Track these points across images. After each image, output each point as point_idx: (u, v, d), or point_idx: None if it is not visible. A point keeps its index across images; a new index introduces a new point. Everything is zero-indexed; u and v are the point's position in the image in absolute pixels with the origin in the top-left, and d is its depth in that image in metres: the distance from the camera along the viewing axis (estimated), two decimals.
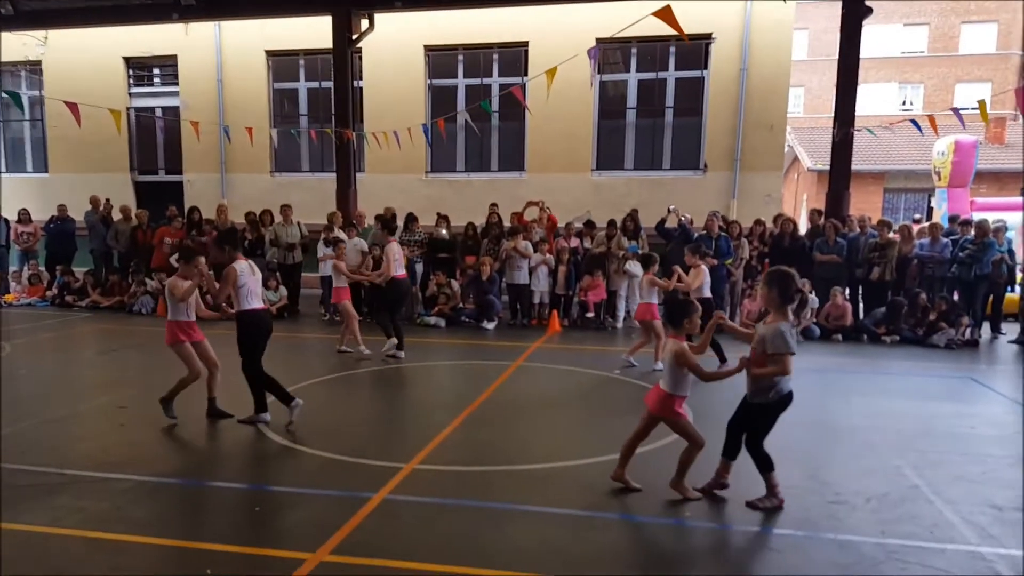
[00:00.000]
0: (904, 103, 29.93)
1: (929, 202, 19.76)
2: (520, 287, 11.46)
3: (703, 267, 8.15)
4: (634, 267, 10.62)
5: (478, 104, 12.22)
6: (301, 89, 16.32)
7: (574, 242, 11.76)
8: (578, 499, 4.59)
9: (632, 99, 14.60)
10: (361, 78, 15.07)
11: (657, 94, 14.48)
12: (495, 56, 15.19)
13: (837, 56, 11.80)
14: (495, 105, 13.40)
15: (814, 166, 23.02)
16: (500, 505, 4.50)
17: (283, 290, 12.46)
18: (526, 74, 14.65)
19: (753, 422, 4.49)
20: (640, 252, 10.52)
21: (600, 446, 5.55)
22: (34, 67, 17.47)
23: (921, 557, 3.88)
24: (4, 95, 12.20)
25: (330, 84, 15.62)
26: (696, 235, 10.71)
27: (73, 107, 9.75)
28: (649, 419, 4.68)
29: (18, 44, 16.65)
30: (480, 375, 8.25)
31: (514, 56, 15.02)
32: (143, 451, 5.62)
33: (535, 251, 11.40)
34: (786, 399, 4.38)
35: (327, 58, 15.60)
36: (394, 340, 8.78)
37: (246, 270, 6.05)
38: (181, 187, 16.84)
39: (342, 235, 12.09)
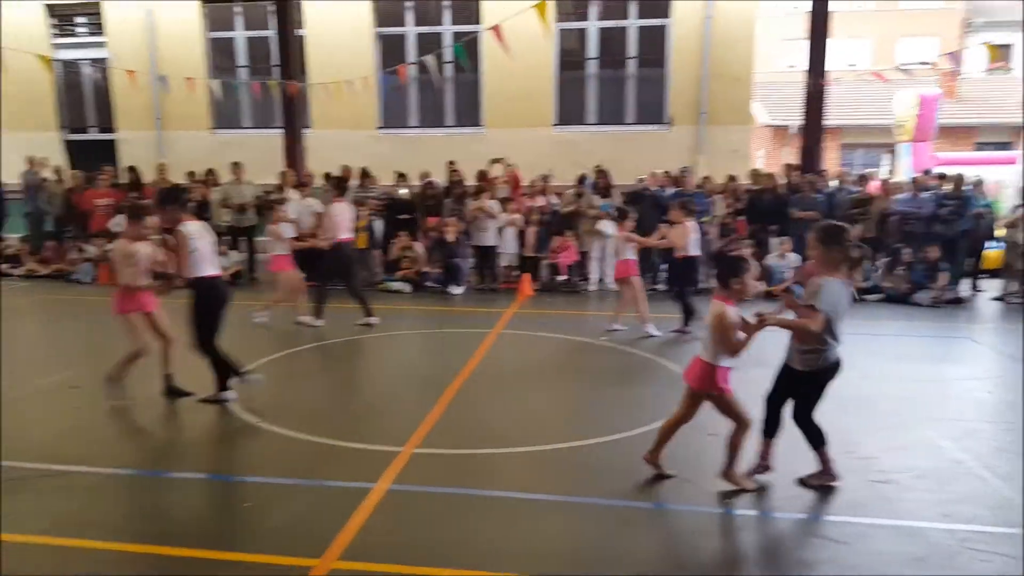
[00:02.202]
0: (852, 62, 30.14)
1: (887, 158, 19.92)
2: (487, 249, 11.07)
3: (689, 223, 7.92)
4: (606, 227, 10.33)
5: (437, 53, 11.60)
6: (239, 39, 15.30)
7: (541, 201, 11.39)
8: (601, 486, 4.31)
9: (593, 49, 14.13)
10: (301, 26, 14.17)
11: (619, 44, 14.05)
12: (447, 3, 14.46)
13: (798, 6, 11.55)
14: (448, 55, 12.75)
15: (772, 121, 22.98)
16: (516, 495, 4.21)
17: (234, 255, 11.81)
18: (479, 22, 14.00)
19: (800, 392, 4.15)
20: (610, 210, 10.23)
21: (607, 423, 5.33)
22: None
23: (995, 544, 3.63)
24: None
25: (269, 33, 14.72)
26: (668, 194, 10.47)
27: None
28: (692, 397, 4.20)
29: None
30: (458, 344, 7.92)
31: (466, 4, 14.31)
32: (105, 439, 5.16)
33: (502, 211, 11.00)
34: (834, 367, 4.04)
35: (265, 5, 14.68)
36: (376, 318, 8.35)
37: (197, 231, 5.47)
38: (114, 145, 15.73)
39: (293, 195, 11.46)
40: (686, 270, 8.09)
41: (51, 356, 7.67)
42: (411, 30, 14.64)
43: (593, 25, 14.02)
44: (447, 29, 14.47)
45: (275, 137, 13.80)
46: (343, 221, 8.24)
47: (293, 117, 13.19)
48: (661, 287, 10.39)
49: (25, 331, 8.78)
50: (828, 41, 11.48)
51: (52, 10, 15.63)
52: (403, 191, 11.82)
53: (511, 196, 11.51)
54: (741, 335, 3.95)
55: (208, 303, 5.53)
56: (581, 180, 11.47)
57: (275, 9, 13.12)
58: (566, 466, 4.67)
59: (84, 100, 16.18)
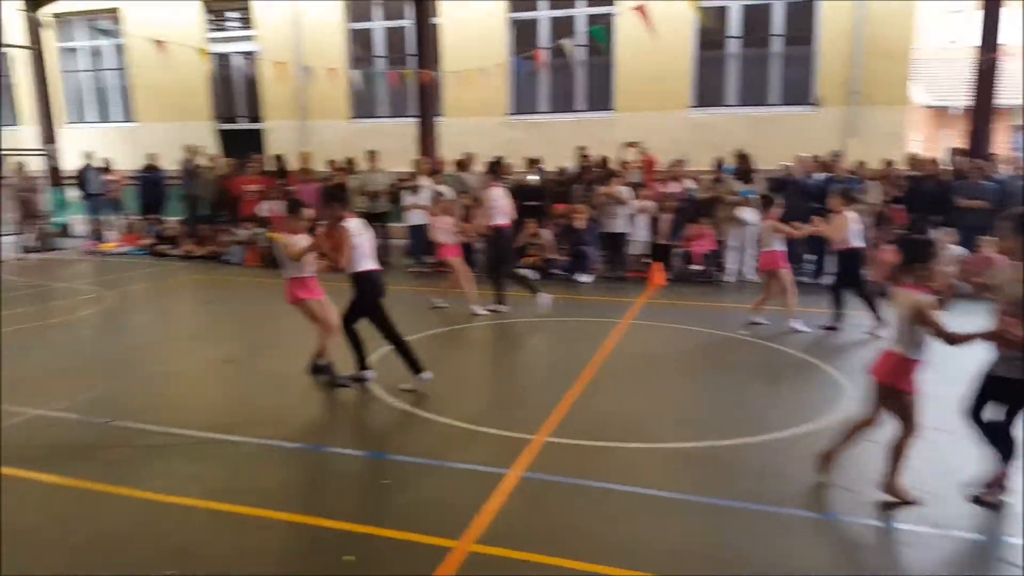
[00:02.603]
0: None
1: None
2: (616, 236, 10.79)
3: (850, 213, 7.33)
4: (747, 214, 9.82)
5: (567, 37, 11.40)
6: (377, 29, 15.74)
7: (675, 186, 10.97)
8: (740, 488, 4.05)
9: (735, 27, 13.46)
10: (436, 14, 14.36)
11: (762, 21, 13.30)
12: None
13: None
14: (581, 39, 12.53)
15: (930, 101, 21.14)
16: (651, 492, 4.02)
17: None
18: (612, 3, 13.70)
19: (1008, 400, 3.71)
20: (754, 197, 9.66)
21: (747, 423, 5.02)
22: (111, 15, 17.38)
23: None
24: (99, 31, 12.12)
25: (406, 23, 15.05)
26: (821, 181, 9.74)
27: (160, 45, 9.42)
28: (881, 394, 3.83)
29: None
30: (588, 333, 7.74)
31: None
32: (256, 411, 5.40)
33: (634, 197, 10.68)
34: None
35: None
36: (546, 295, 8.31)
37: (357, 228, 5.62)
38: (261, 135, 16.65)
39: (425, 182, 11.66)
40: (851, 263, 7.51)
41: (207, 332, 8.17)
42: (544, 14, 14.52)
43: (736, 3, 13.34)
44: (581, 12, 14.25)
45: (409, 125, 14.10)
46: (500, 206, 8.23)
47: (427, 105, 13.40)
48: (806, 279, 9.77)
49: (183, 308, 9.43)
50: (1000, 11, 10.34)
51: (208, 6, 16.70)
52: (532, 177, 11.73)
53: (644, 181, 11.16)
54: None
55: (368, 296, 5.68)
56: (719, 165, 10.96)
57: None
58: (704, 465, 4.42)
59: (235, 91, 17.22)
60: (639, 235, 10.82)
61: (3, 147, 14.71)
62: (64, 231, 15.32)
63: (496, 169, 8.66)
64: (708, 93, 13.74)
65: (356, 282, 5.61)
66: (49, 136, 16.34)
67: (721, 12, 13.37)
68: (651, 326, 7.94)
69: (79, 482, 4.07)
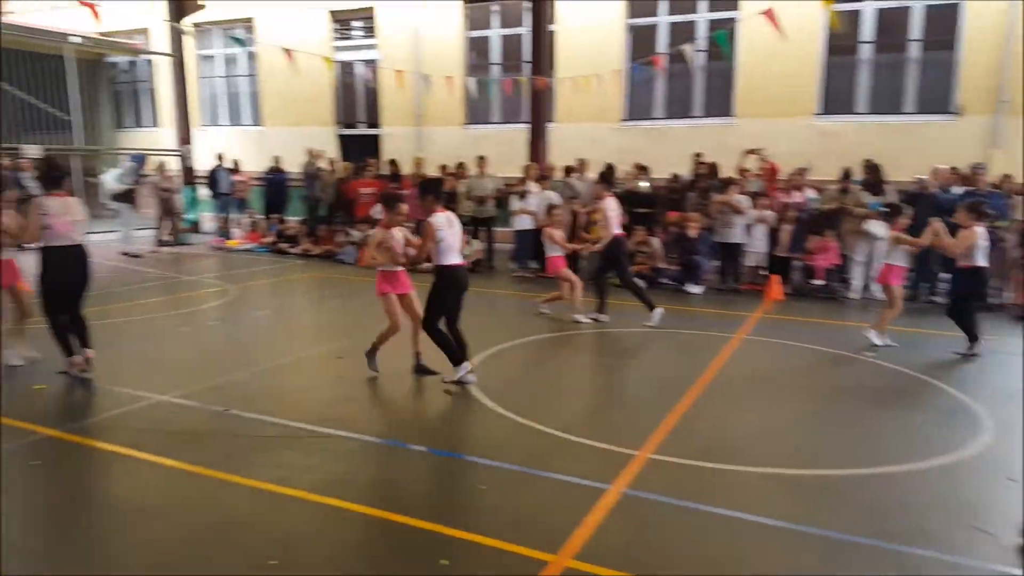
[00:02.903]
0: None
1: None
2: (732, 247, 10.38)
3: (978, 229, 6.73)
4: (876, 227, 9.20)
5: (688, 42, 11.09)
6: (494, 37, 15.90)
7: (797, 196, 10.43)
8: (862, 522, 3.72)
9: (869, 31, 12.70)
10: (553, 21, 14.33)
11: (899, 25, 12.48)
12: None
13: None
14: (702, 44, 12.19)
15: None
16: (760, 519, 3.75)
17: (476, 243, 12.29)
18: (737, 8, 13.24)
19: None
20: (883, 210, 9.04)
21: (869, 452, 4.66)
22: (247, 24, 18.41)
23: None
24: (234, 40, 12.87)
25: (523, 30, 15.13)
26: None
27: (288, 54, 9.88)
28: None
29: (234, 3, 17.56)
30: (697, 347, 7.45)
31: None
32: (364, 408, 5.54)
33: (752, 206, 10.24)
34: None
35: (520, 3, 15.10)
36: (660, 310, 8.16)
37: (444, 223, 5.71)
38: (378, 140, 17.16)
39: (534, 188, 11.66)
40: (971, 283, 6.91)
41: (319, 327, 8.44)
42: (664, 19, 14.23)
43: (870, 5, 12.59)
44: (702, 17, 13.86)
45: (521, 131, 14.15)
46: (614, 216, 8.12)
47: (539, 112, 13.42)
48: (939, 299, 9.05)
49: (298, 303, 9.79)
50: None
51: (334, 16, 17.40)
52: (643, 184, 11.48)
53: (765, 191, 10.69)
54: None
55: (448, 289, 5.77)
56: (846, 175, 10.33)
57: (531, 6, 13.40)
58: (818, 494, 4.10)
59: (356, 98, 17.84)
60: (756, 246, 10.37)
61: (145, 147, 15.86)
62: (195, 227, 16.34)
63: (609, 177, 8.49)
64: (836, 100, 13.00)
65: (439, 275, 5.74)
66: (185, 138, 17.51)
67: (854, 15, 12.65)
68: (766, 342, 7.55)
69: (197, 467, 4.24)
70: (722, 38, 10.42)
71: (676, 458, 4.48)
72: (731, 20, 13.11)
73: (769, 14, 8.92)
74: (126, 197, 13.50)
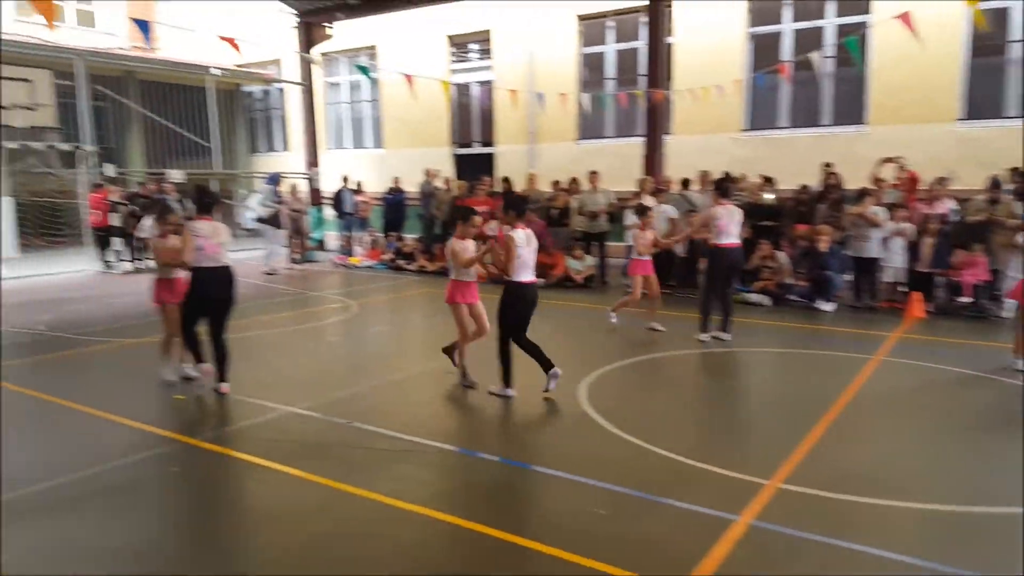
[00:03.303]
0: None
1: None
2: (868, 261, 9.71)
3: None
4: None
5: (815, 49, 10.56)
6: (609, 52, 15.78)
7: (940, 207, 9.66)
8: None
9: (1018, 30, 11.66)
10: (671, 34, 14.05)
11: None
12: None
13: None
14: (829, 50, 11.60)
15: None
16: (909, 559, 3.40)
17: (588, 259, 12.16)
18: (868, 12, 12.53)
19: None
20: None
21: None
22: (371, 51, 19.19)
23: None
24: (357, 67, 13.46)
25: (638, 44, 14.94)
26: None
27: (409, 78, 10.17)
28: None
29: (358, 31, 18.36)
30: (831, 369, 6.98)
31: None
32: (477, 424, 5.56)
33: (889, 218, 9.56)
34: None
35: (635, 17, 14.93)
36: (726, 336, 7.86)
37: (522, 239, 5.74)
38: (492, 158, 17.39)
39: (650, 202, 11.39)
40: None
41: (434, 343, 8.53)
42: (788, 27, 13.67)
43: (1018, 3, 11.57)
44: (830, 22, 13.21)
45: (635, 145, 13.93)
46: (725, 225, 7.79)
47: (655, 124, 13.16)
48: None
49: (414, 319, 10.00)
50: None
51: (452, 40, 17.84)
52: (768, 195, 10.97)
53: (903, 202, 9.97)
54: None
55: (516, 306, 5.81)
56: (995, 184, 9.48)
57: (647, 20, 13.23)
58: (973, 533, 3.71)
59: (471, 118, 18.18)
60: (894, 261, 9.67)
61: (278, 171, 16.78)
62: (320, 245, 17.10)
63: (723, 186, 8.14)
64: (981, 104, 12.01)
65: (508, 291, 5.78)
66: (313, 161, 18.40)
67: (1001, 14, 11.67)
68: (907, 364, 6.97)
69: (320, 477, 4.33)
70: (853, 44, 9.85)
71: (809, 488, 4.17)
72: (862, 25, 12.44)
73: (905, 18, 8.37)
74: (270, 219, 14.19)
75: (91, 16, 22.00)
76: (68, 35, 18.47)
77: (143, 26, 9.42)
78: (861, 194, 9.81)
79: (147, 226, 14.28)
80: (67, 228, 15.49)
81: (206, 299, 5.98)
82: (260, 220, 14.32)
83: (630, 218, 11.39)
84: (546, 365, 5.83)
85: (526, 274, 5.79)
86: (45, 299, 11.06)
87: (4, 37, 15.40)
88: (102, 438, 5.12)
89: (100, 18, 22.05)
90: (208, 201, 6.19)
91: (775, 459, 4.57)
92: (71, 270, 14.01)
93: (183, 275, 6.23)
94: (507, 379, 5.93)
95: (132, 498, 4.16)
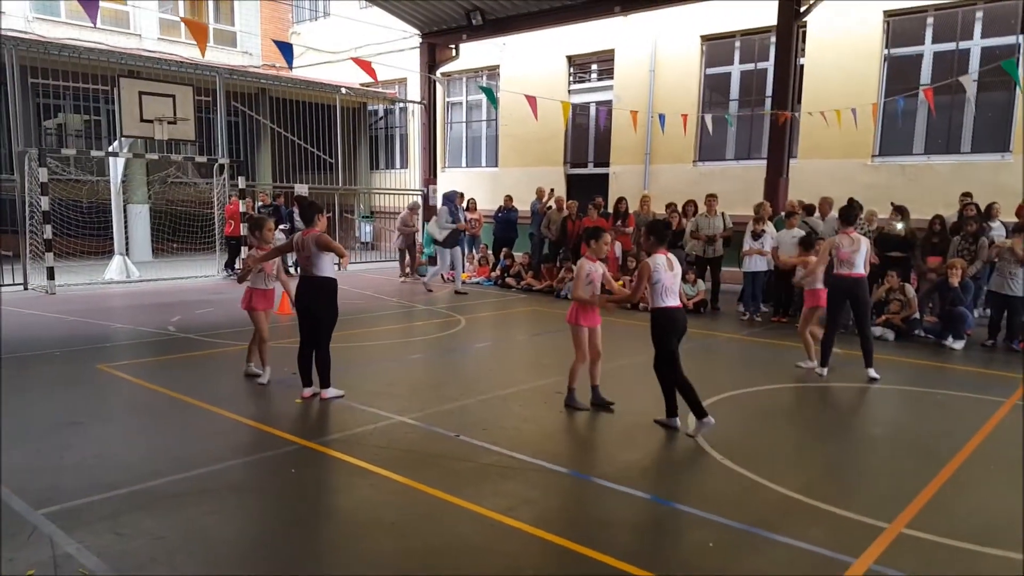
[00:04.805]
0: None
1: None
2: (1011, 299, 9.02)
3: None
4: None
5: (963, 73, 9.98)
6: (734, 73, 15.48)
7: None
8: None
9: None
10: (802, 55, 13.63)
11: None
12: (978, 14, 12.41)
13: None
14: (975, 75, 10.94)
15: None
16: None
17: (701, 284, 11.91)
18: (1022, 32, 11.72)
19: None
20: None
21: None
22: (492, 71, 19.65)
23: None
24: (482, 89, 13.76)
25: (765, 65, 14.60)
26: None
27: (531, 100, 10.36)
28: None
29: (482, 51, 18.86)
30: (960, 411, 6.53)
31: (1005, 12, 12.09)
32: (582, 445, 5.52)
33: None
34: None
35: (764, 38, 14.60)
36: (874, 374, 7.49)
37: (662, 265, 5.63)
38: (607, 179, 17.36)
39: (770, 227, 11.07)
40: None
41: (539, 360, 8.60)
42: (928, 48, 12.98)
43: None
44: (976, 44, 12.45)
45: (756, 168, 13.58)
46: (848, 255, 7.43)
47: (780, 147, 12.78)
48: None
49: (519, 335, 10.09)
50: None
51: (571, 60, 18.01)
52: (898, 225, 10.41)
53: None
54: None
55: (665, 332, 5.66)
56: None
57: (775, 41, 12.93)
58: None
59: (587, 138, 18.25)
60: None
61: (393, 188, 17.40)
62: (431, 261, 17.56)
63: (847, 214, 7.75)
64: None
65: (654, 318, 5.67)
66: (429, 179, 19.00)
67: None
68: None
69: (428, 487, 4.44)
70: (1011, 66, 9.25)
71: (933, 535, 3.91)
72: (1012, 47, 11.67)
73: None
74: (448, 239, 13.48)
75: (232, 36, 23.70)
76: (208, 54, 19.96)
77: (286, 49, 10.00)
78: (1018, 228, 9.16)
79: (278, 237, 15.26)
80: (200, 235, 16.61)
81: (299, 310, 6.33)
82: (436, 242, 13.65)
83: (748, 242, 11.10)
84: (699, 412, 5.60)
85: (669, 299, 5.65)
86: (175, 302, 11.91)
87: (149, 55, 16.88)
88: (224, 437, 5.39)
89: (240, 38, 23.72)
90: (311, 214, 6.31)
91: (898, 502, 4.32)
92: (201, 275, 15.04)
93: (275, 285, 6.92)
94: (669, 408, 5.77)
95: (250, 496, 4.37)
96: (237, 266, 15.14)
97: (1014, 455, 5.35)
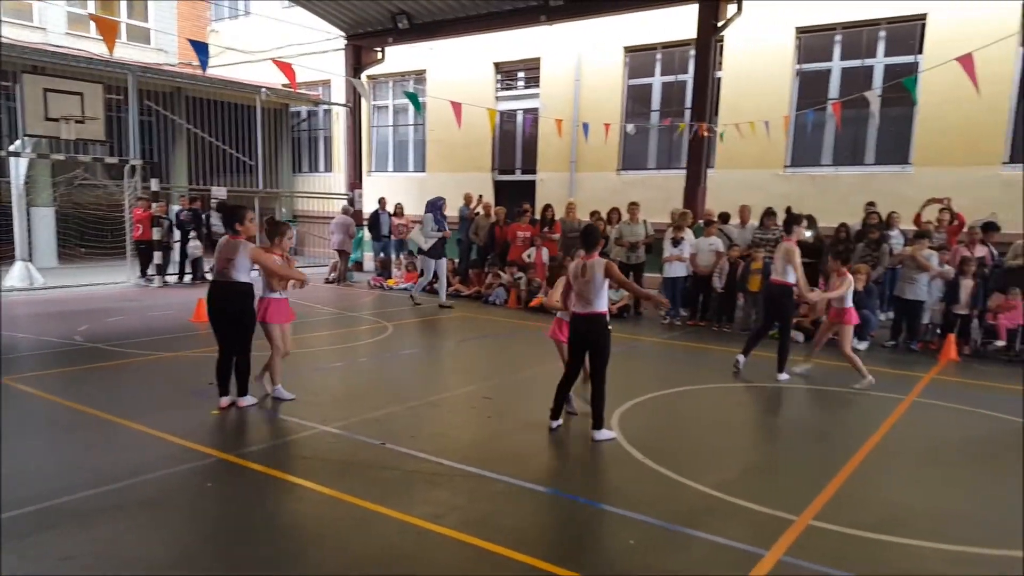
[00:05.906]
0: None
1: None
2: (911, 304, 9.58)
3: None
4: None
5: (866, 89, 10.57)
6: (655, 84, 15.91)
7: (980, 251, 9.53)
8: None
9: None
10: (719, 68, 14.14)
11: None
12: (880, 34, 13.17)
13: None
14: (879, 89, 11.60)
15: None
16: None
17: (623, 291, 12.15)
18: (920, 52, 12.49)
19: None
20: None
21: None
22: (419, 75, 19.58)
23: None
24: (407, 95, 13.64)
25: (685, 77, 15.06)
26: None
27: (456, 107, 10.37)
28: None
29: (410, 54, 18.76)
30: (863, 407, 6.92)
31: (906, 32, 12.87)
32: (509, 450, 5.50)
33: (939, 263, 9.45)
34: None
35: (684, 51, 15.06)
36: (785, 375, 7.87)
37: (571, 271, 5.82)
38: (534, 185, 17.54)
39: (688, 235, 11.46)
40: None
41: (466, 367, 8.62)
42: (836, 64, 13.67)
43: None
44: (879, 61, 13.19)
45: (676, 177, 13.99)
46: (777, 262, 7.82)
47: (698, 158, 13.22)
48: None
49: (447, 342, 10.08)
50: None
51: (498, 67, 18.14)
52: (807, 232, 10.91)
53: (946, 244, 9.88)
54: None
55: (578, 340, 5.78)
56: None
57: (695, 54, 13.36)
58: None
59: (515, 145, 18.41)
60: (933, 303, 9.55)
61: (317, 191, 17.10)
62: (358, 266, 17.37)
63: (788, 223, 8.08)
64: None
65: (604, 321, 5.68)
66: (355, 183, 18.76)
67: None
68: (939, 406, 6.90)
69: (354, 498, 4.38)
70: (911, 83, 9.83)
71: (839, 526, 4.14)
72: (912, 65, 12.42)
73: (967, 62, 8.33)
74: (433, 249, 12.63)
75: (146, 33, 22.84)
76: (120, 51, 19.13)
77: (201, 49, 9.69)
78: (919, 235, 9.74)
79: (195, 244, 14.76)
80: (109, 240, 15.89)
81: (213, 315, 6.07)
82: (421, 252, 12.95)
83: (669, 249, 11.44)
84: (556, 412, 5.87)
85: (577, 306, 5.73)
86: (83, 310, 11.33)
87: (55, 50, 16.06)
88: (136, 451, 5.16)
89: (155, 35, 22.88)
90: (233, 220, 6.11)
91: (806, 495, 4.55)
92: (110, 282, 14.39)
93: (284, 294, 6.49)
94: (597, 418, 5.73)
95: (165, 512, 4.20)
96: (150, 272, 14.58)
97: (915, 448, 5.72)
